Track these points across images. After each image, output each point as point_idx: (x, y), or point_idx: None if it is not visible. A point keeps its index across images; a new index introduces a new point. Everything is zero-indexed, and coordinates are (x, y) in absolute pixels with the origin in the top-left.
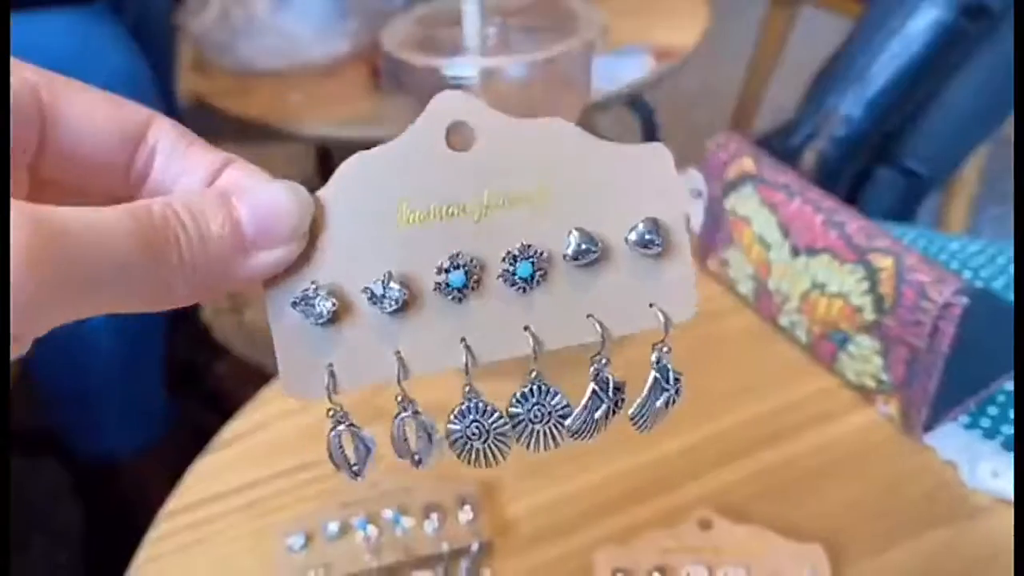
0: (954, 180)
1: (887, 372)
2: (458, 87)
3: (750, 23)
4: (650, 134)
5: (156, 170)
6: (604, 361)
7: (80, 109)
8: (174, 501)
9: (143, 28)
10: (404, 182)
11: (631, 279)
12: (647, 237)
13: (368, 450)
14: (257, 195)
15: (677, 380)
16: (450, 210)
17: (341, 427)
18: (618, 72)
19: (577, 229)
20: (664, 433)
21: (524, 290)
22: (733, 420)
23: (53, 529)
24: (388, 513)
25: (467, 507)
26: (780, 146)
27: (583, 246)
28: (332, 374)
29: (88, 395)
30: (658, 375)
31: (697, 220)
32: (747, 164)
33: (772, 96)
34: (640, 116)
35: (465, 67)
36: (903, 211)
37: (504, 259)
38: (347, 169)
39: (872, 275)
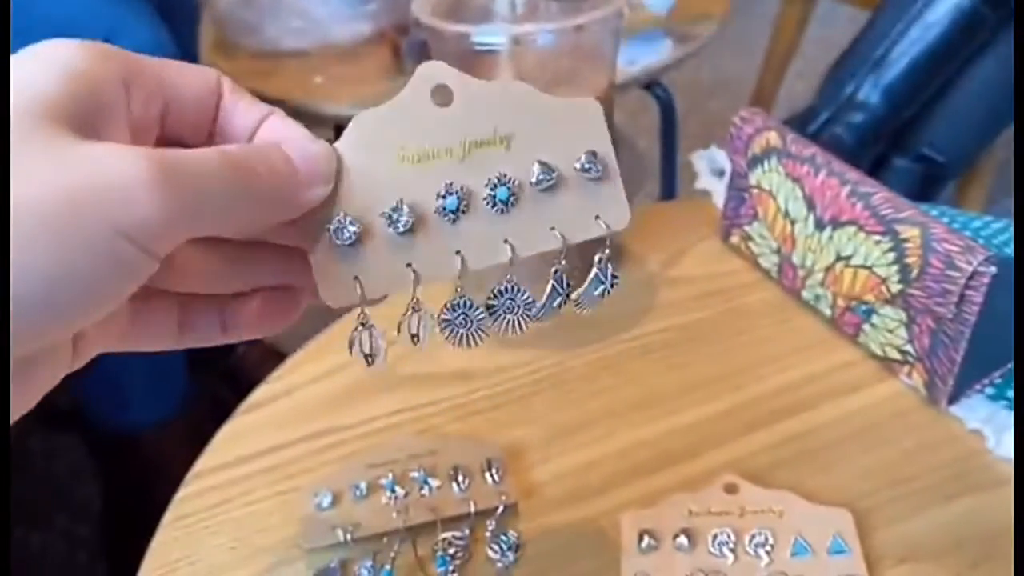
0: (970, 170)
1: (912, 343)
2: (488, 54)
3: (766, 15)
4: (668, 118)
5: (219, 120)
6: (563, 263)
7: (184, 80)
8: (201, 463)
9: (168, 7)
10: (400, 133)
11: (580, 199)
12: (587, 165)
13: (380, 347)
14: (301, 144)
15: (615, 277)
16: (438, 152)
17: (362, 328)
18: (638, 55)
19: (539, 162)
20: (689, 402)
21: (503, 211)
22: (757, 391)
23: (74, 505)
24: (415, 474)
25: (493, 469)
26: (798, 133)
27: (543, 175)
28: (360, 285)
29: (112, 369)
30: (598, 271)
31: (719, 197)
32: (772, 138)
33: (788, 87)
34: (658, 100)
35: (494, 34)
36: (919, 199)
37: (487, 185)
38: (353, 126)
39: (898, 245)
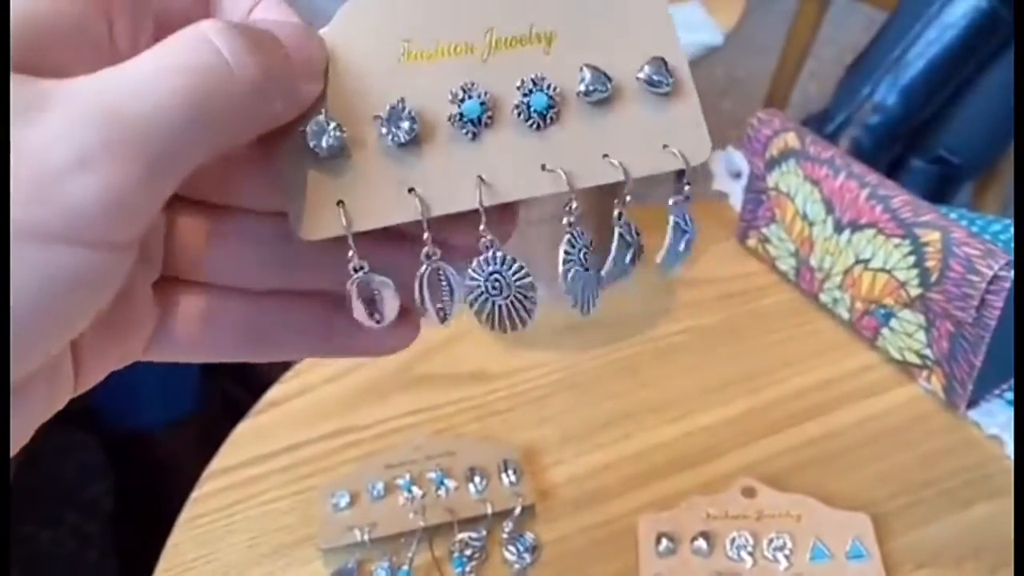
0: (986, 172)
1: (930, 347)
2: None
3: (780, 15)
4: None
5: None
6: (627, 201)
7: None
8: (217, 462)
9: None
10: (408, 21)
11: (644, 118)
12: (655, 77)
13: (388, 299)
14: (289, 29)
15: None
16: (456, 48)
17: (359, 275)
18: None
19: (587, 66)
20: (705, 405)
21: (539, 126)
22: (775, 394)
23: (84, 504)
24: (432, 475)
25: (510, 471)
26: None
27: (595, 82)
28: (345, 210)
29: (124, 368)
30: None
31: (737, 199)
32: (791, 139)
33: (801, 87)
34: None
35: None
36: (936, 201)
37: (519, 88)
38: (346, 11)
39: (918, 249)
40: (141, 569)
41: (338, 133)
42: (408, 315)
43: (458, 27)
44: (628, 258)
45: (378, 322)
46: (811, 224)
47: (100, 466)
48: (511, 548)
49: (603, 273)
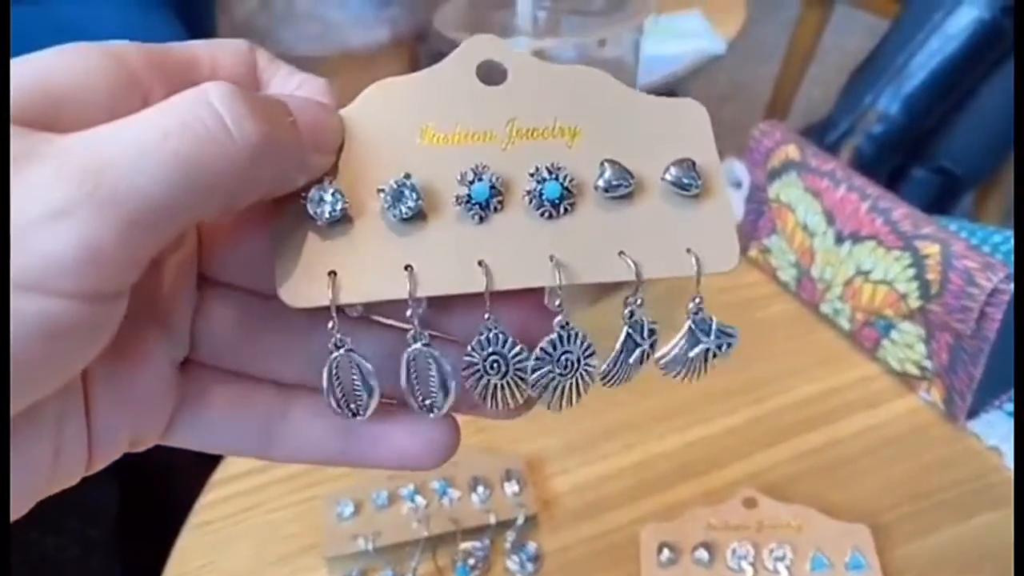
0: (988, 181)
1: (930, 359)
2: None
3: (782, 22)
4: None
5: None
6: (639, 302)
7: (216, 59)
8: (222, 470)
9: (187, 15)
10: (429, 106)
11: (666, 219)
12: (684, 179)
13: (369, 389)
14: (304, 102)
15: (723, 334)
16: (476, 135)
17: (339, 352)
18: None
19: (609, 161)
20: (707, 415)
21: (551, 215)
22: (776, 404)
23: (88, 509)
24: (435, 484)
25: (513, 481)
26: (816, 143)
27: (616, 178)
28: (335, 282)
29: None
30: (693, 326)
31: (738, 210)
32: (791, 151)
33: (805, 93)
34: None
35: (516, 48)
36: (937, 210)
37: (532, 175)
38: (372, 91)
39: (919, 261)
40: (145, 574)
41: (339, 202)
42: (444, 421)
43: (480, 115)
44: (634, 359)
45: (353, 414)
46: (812, 235)
47: (104, 472)
48: (514, 558)
49: (600, 372)
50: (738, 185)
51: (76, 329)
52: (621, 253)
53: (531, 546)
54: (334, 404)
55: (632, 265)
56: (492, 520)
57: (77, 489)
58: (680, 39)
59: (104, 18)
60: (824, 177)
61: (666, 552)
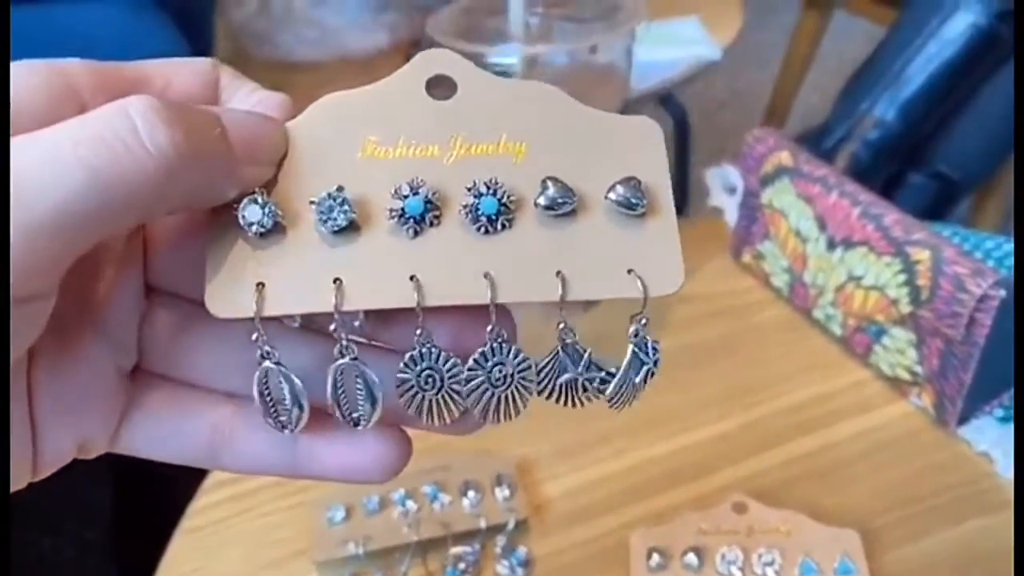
0: (985, 186)
1: (921, 364)
2: (502, 75)
3: (780, 29)
4: (682, 134)
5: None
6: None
7: (172, 77)
8: (214, 474)
9: (185, 19)
10: (374, 119)
11: (609, 240)
12: (630, 197)
13: (300, 405)
14: (242, 115)
15: (655, 351)
16: (419, 149)
17: (268, 364)
18: (652, 70)
19: (552, 178)
20: (698, 420)
21: (487, 231)
22: (767, 410)
23: (84, 510)
24: (426, 489)
25: (504, 485)
26: (812, 149)
27: (558, 196)
28: (262, 293)
29: None
30: (636, 349)
31: (732, 215)
32: (784, 157)
33: (803, 99)
34: (672, 115)
35: (509, 55)
36: (933, 216)
37: (470, 191)
38: (319, 105)
39: (909, 267)
40: None
41: (270, 214)
42: (392, 433)
43: (425, 129)
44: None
45: (283, 427)
46: (804, 241)
47: (99, 474)
48: (504, 562)
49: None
50: (732, 191)
51: None
52: (558, 273)
53: (521, 551)
54: (265, 417)
55: (560, 284)
56: (483, 525)
57: (73, 491)
58: (676, 45)
59: (100, 22)
60: (816, 183)
61: (656, 557)
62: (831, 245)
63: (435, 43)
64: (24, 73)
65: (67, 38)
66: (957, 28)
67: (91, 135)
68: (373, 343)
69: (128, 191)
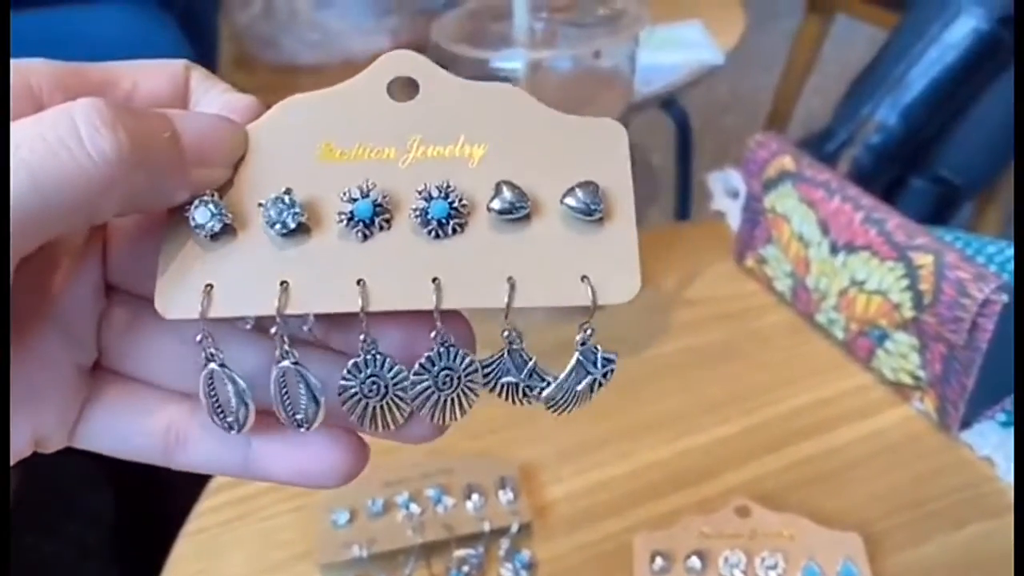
0: (987, 191)
1: (924, 368)
2: (505, 79)
3: (782, 33)
4: (684, 138)
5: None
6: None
7: (139, 79)
8: (219, 478)
9: (189, 22)
10: (332, 122)
11: (563, 246)
12: (587, 202)
13: (246, 406)
14: (198, 118)
15: (607, 362)
16: (374, 152)
17: (213, 365)
18: (655, 74)
19: (506, 182)
20: (700, 424)
21: (438, 235)
22: (770, 413)
23: (84, 514)
24: (430, 492)
25: (507, 488)
26: (814, 153)
27: (511, 200)
28: (209, 294)
29: None
30: (581, 357)
31: (734, 219)
32: (787, 162)
33: (805, 103)
34: (674, 119)
35: (512, 59)
36: (935, 221)
37: (420, 194)
38: (279, 107)
39: (912, 272)
40: None
41: (220, 216)
42: (346, 438)
43: (382, 132)
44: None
45: (229, 427)
46: (807, 245)
47: (100, 477)
48: (508, 565)
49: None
50: (735, 195)
51: None
52: (509, 279)
53: (525, 554)
54: (212, 417)
55: (508, 291)
56: (486, 528)
57: (74, 495)
58: (679, 49)
59: (106, 26)
60: (819, 188)
61: (659, 560)
62: (834, 250)
63: (440, 48)
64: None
65: (73, 42)
66: (959, 33)
67: (32, 137)
68: (327, 347)
69: (70, 195)
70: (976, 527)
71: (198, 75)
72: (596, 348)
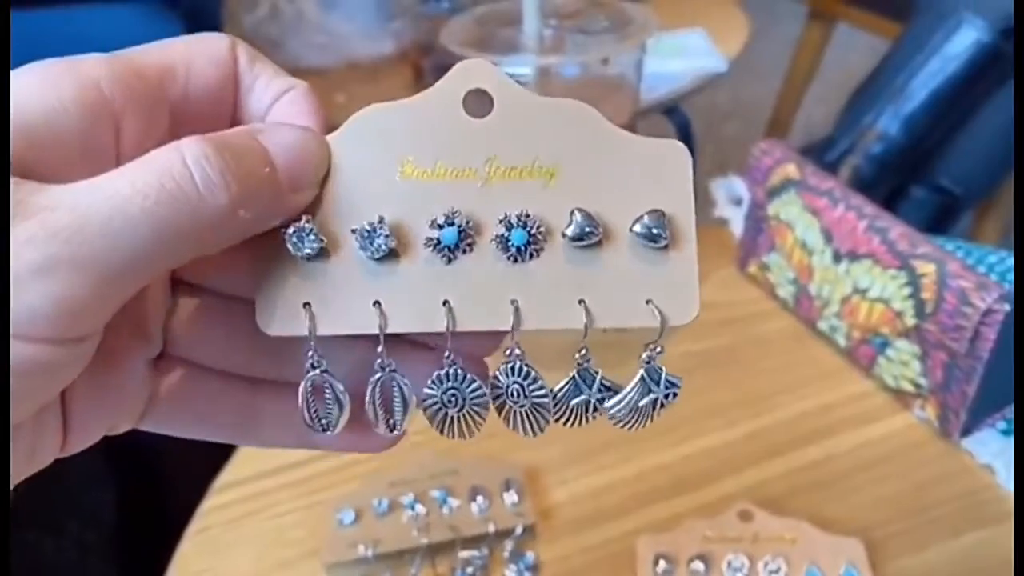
0: (986, 201)
1: (925, 376)
2: None
3: (784, 40)
4: (687, 144)
5: (239, 99)
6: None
7: (192, 69)
8: (225, 476)
9: (195, 24)
10: (412, 138)
11: (631, 271)
12: (654, 230)
13: (340, 407)
14: (291, 137)
15: (671, 384)
16: (455, 172)
17: (314, 373)
18: (658, 81)
19: (580, 210)
20: (704, 429)
21: (516, 259)
22: (772, 419)
23: (86, 512)
24: (436, 493)
25: (512, 491)
26: (816, 161)
27: (585, 227)
28: (311, 313)
29: None
30: (645, 375)
31: (737, 226)
32: (791, 170)
33: (806, 111)
34: (676, 125)
35: (521, 65)
36: (935, 230)
37: (501, 222)
38: (359, 119)
39: (914, 280)
40: None
41: (315, 241)
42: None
43: (461, 151)
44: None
45: (324, 429)
46: (810, 253)
47: (101, 475)
48: (512, 567)
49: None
50: (738, 202)
51: (51, 367)
52: (581, 301)
53: (529, 556)
54: (308, 420)
55: (586, 313)
56: (491, 529)
57: (75, 492)
58: (682, 57)
59: (113, 27)
60: (823, 196)
61: (662, 563)
62: (837, 257)
63: (449, 52)
64: (53, 85)
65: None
66: (961, 44)
67: (154, 186)
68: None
69: (188, 237)
70: (976, 534)
71: (244, 55)
72: (660, 368)
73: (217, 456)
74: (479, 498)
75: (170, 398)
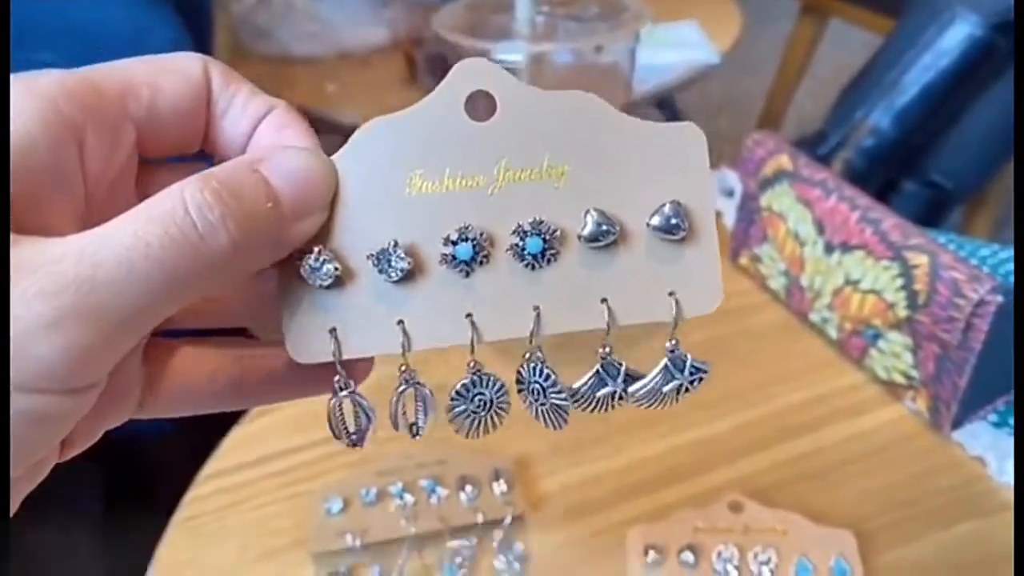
0: (978, 196)
1: (917, 368)
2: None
3: (776, 35)
4: None
5: (211, 122)
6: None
7: (160, 88)
8: (211, 466)
9: (186, 12)
10: (418, 151)
11: (650, 265)
12: (672, 222)
13: (369, 420)
14: (291, 164)
15: (696, 370)
16: (464, 181)
17: (343, 394)
18: (650, 73)
19: (595, 209)
20: (695, 420)
21: (533, 267)
22: (763, 411)
23: (72, 506)
24: (424, 482)
25: (501, 480)
26: (808, 155)
27: (600, 227)
28: (336, 339)
29: None
30: (669, 363)
31: (730, 218)
32: (783, 161)
33: (798, 106)
34: (668, 118)
35: (514, 51)
36: (926, 224)
37: (515, 232)
38: (362, 135)
39: (907, 272)
40: (129, 572)
41: (332, 270)
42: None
43: (469, 158)
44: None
45: (354, 444)
46: (802, 244)
47: (87, 469)
48: (501, 557)
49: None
50: (730, 194)
51: (59, 416)
52: (603, 301)
53: (518, 546)
54: (337, 434)
55: (608, 313)
56: (480, 519)
57: (61, 484)
58: (675, 48)
59: (102, 14)
60: (815, 187)
61: (652, 554)
62: (829, 249)
63: (441, 38)
64: (18, 111)
65: (71, 31)
66: (954, 39)
67: (155, 236)
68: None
69: (195, 282)
70: (967, 526)
71: (217, 74)
72: (686, 356)
73: (202, 446)
74: (468, 488)
75: (160, 378)
